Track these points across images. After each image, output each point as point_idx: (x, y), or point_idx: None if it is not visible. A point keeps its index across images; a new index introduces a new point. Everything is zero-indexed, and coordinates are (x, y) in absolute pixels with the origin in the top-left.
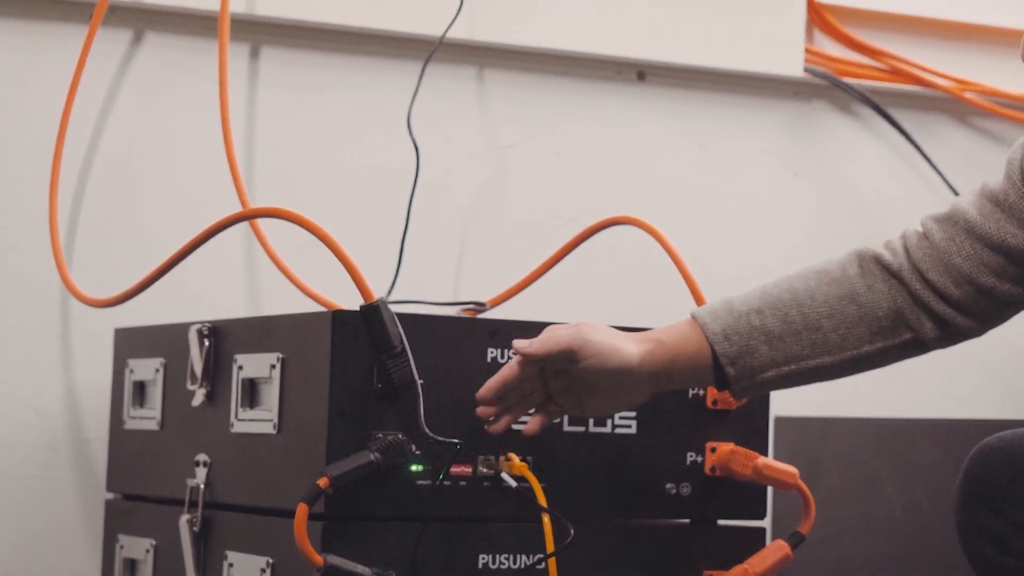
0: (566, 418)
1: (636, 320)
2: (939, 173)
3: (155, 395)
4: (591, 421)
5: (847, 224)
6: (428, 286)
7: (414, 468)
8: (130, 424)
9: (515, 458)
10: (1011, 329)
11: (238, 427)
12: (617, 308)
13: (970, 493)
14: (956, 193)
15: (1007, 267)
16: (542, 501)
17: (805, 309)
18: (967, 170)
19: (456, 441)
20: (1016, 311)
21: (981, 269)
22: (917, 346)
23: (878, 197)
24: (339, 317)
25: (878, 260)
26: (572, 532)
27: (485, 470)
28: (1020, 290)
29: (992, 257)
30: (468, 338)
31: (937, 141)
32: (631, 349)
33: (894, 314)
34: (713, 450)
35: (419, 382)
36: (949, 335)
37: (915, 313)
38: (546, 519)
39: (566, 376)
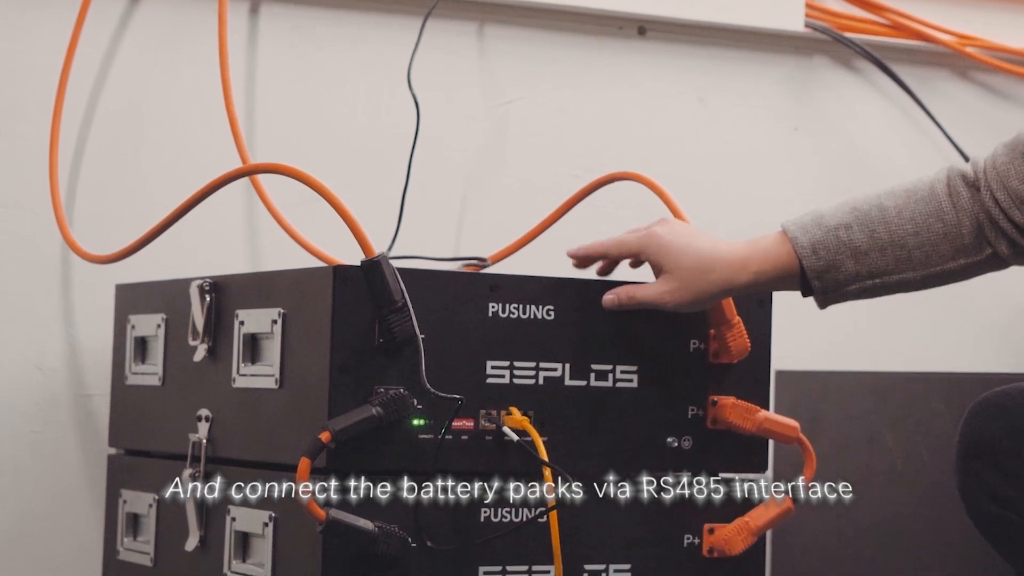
0: (567, 372)
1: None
2: (940, 128)
3: (156, 351)
4: (592, 376)
5: (847, 179)
6: (429, 242)
7: (416, 423)
8: (132, 380)
9: (516, 412)
10: (1010, 281)
11: (240, 382)
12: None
13: (968, 448)
14: (957, 147)
15: None
16: (543, 455)
17: (892, 226)
18: (968, 125)
19: (458, 397)
20: None
21: None
22: (997, 262)
23: (879, 152)
24: (340, 272)
25: (963, 176)
26: (573, 485)
27: (487, 424)
28: None
29: None
30: (469, 293)
31: (938, 96)
32: (720, 244)
33: (976, 231)
34: (714, 404)
35: (420, 337)
36: (1021, 253)
37: (992, 230)
38: (547, 472)
39: None
